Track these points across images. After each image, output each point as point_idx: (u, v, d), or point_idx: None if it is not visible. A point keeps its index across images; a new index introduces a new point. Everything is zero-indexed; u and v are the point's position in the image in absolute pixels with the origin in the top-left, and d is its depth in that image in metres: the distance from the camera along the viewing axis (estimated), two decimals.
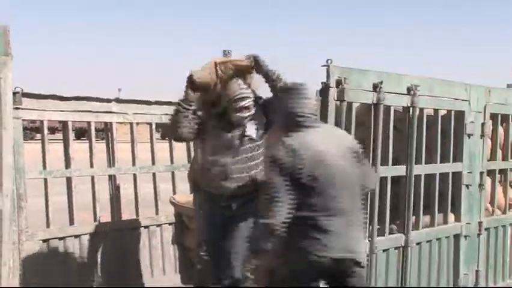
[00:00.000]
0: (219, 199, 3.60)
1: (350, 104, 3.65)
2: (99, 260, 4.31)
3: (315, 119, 2.91)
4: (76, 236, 4.17)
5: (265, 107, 3.67)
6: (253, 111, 3.63)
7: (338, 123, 3.55)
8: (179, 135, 3.67)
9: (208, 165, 3.63)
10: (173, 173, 4.91)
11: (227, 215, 3.60)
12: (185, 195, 4.28)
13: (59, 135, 4.44)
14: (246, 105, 3.59)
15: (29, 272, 3.74)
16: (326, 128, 3.03)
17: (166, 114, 4.31)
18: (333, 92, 3.52)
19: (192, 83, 3.56)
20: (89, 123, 4.35)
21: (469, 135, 4.47)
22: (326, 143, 2.78)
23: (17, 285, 3.27)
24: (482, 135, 4.60)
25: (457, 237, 4.49)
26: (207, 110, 3.66)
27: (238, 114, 3.58)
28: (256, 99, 3.66)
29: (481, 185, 4.62)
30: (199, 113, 3.66)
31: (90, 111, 4.26)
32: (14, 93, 3.53)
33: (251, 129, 3.64)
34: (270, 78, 3.59)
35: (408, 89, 3.98)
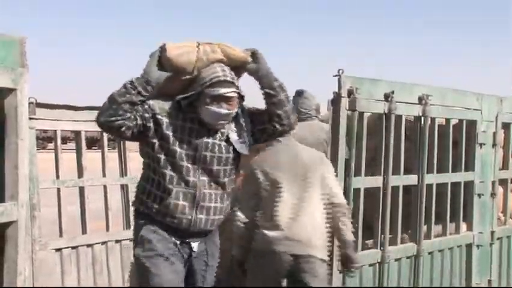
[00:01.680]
0: (178, 234, 2.57)
1: (361, 114, 3.66)
2: (111, 268, 4.33)
3: None
4: (89, 245, 4.19)
5: (252, 119, 2.64)
6: (234, 111, 2.54)
7: (349, 133, 3.56)
8: (107, 126, 2.50)
9: (167, 186, 2.52)
10: None
11: (186, 256, 2.61)
12: None
13: (71, 145, 4.46)
14: (228, 94, 2.47)
15: (41, 281, 3.76)
16: None
17: None
18: (344, 102, 3.53)
19: (161, 58, 2.48)
20: (101, 132, 4.36)
21: (481, 145, 4.46)
22: None
23: None
24: (494, 145, 4.59)
25: (469, 246, 4.47)
26: (168, 105, 2.54)
27: (213, 108, 2.46)
28: (242, 97, 2.60)
29: (493, 194, 4.61)
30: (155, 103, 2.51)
31: None
32: (28, 104, 3.55)
33: (235, 141, 2.58)
34: (267, 83, 2.57)
35: (420, 99, 3.98)
